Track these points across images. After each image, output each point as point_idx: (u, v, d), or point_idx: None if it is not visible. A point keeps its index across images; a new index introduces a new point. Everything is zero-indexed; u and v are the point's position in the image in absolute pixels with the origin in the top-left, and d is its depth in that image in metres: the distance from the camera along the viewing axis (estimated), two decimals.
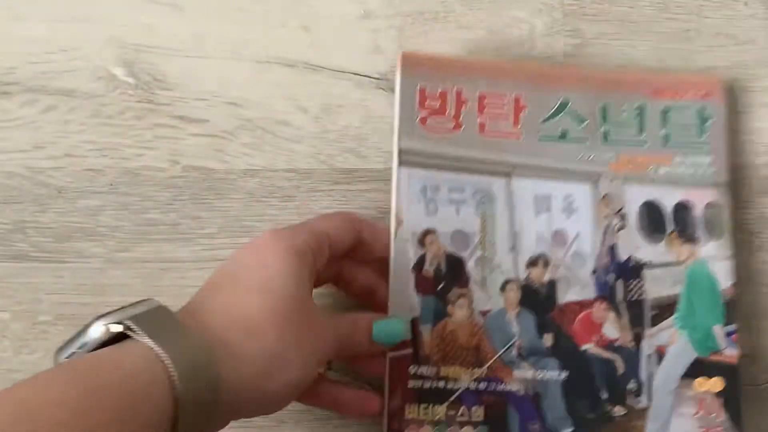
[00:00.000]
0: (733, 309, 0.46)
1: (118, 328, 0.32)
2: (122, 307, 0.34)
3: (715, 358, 0.46)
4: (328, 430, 0.46)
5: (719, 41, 0.50)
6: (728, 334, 0.46)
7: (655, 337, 0.46)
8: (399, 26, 0.50)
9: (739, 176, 0.49)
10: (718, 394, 0.45)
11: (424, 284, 0.45)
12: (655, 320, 0.46)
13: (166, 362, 0.31)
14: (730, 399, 0.45)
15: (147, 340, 0.32)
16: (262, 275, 0.37)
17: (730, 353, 0.46)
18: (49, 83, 0.48)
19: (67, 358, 0.33)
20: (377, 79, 0.49)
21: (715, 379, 0.45)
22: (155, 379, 0.31)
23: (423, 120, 0.46)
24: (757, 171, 0.49)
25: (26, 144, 0.48)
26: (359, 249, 0.43)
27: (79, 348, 0.33)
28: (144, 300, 0.35)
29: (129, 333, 0.32)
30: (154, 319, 0.33)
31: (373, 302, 0.44)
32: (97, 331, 0.33)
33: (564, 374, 0.45)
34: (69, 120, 0.48)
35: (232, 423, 0.46)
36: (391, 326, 0.43)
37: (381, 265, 0.44)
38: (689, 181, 0.47)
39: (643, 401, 0.45)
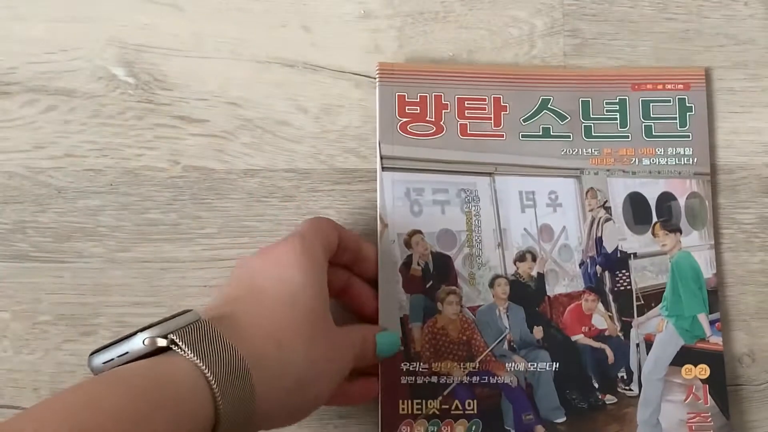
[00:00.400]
0: (716, 298, 0.47)
1: (163, 343, 0.33)
2: (165, 319, 0.34)
3: (701, 345, 0.47)
4: (328, 430, 0.46)
5: (719, 41, 0.50)
6: (712, 323, 0.47)
7: (643, 326, 0.47)
8: (399, 26, 0.50)
9: (739, 176, 0.49)
10: (705, 381, 0.46)
11: (412, 283, 0.46)
12: (643, 309, 0.47)
13: (209, 377, 0.32)
14: (716, 385, 0.46)
15: (192, 356, 0.32)
16: (287, 289, 0.37)
17: (715, 341, 0.47)
18: (50, 83, 0.48)
19: (104, 363, 0.33)
20: (377, 78, 0.49)
21: (701, 366, 0.46)
22: (200, 394, 0.32)
23: (403, 126, 0.47)
24: (757, 171, 0.49)
25: (26, 144, 0.48)
26: (357, 264, 0.44)
27: (119, 356, 0.33)
28: (185, 312, 0.35)
29: (173, 347, 0.33)
30: (196, 333, 0.33)
31: (363, 311, 0.45)
32: (141, 342, 0.33)
33: (555, 365, 0.46)
34: (69, 120, 0.48)
35: None
36: (392, 339, 0.43)
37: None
38: (671, 172, 0.48)
39: (633, 389, 0.46)
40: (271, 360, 0.35)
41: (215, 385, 0.32)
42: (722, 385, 0.46)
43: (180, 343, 0.32)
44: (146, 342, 0.33)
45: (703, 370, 0.46)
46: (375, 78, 0.48)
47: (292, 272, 0.38)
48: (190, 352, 0.32)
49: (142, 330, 0.33)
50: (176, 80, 0.49)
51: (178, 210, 0.48)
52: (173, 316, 0.34)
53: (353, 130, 0.49)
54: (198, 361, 0.32)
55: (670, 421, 0.45)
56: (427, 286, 0.46)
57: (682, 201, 0.48)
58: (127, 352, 0.33)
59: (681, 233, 0.47)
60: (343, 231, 0.43)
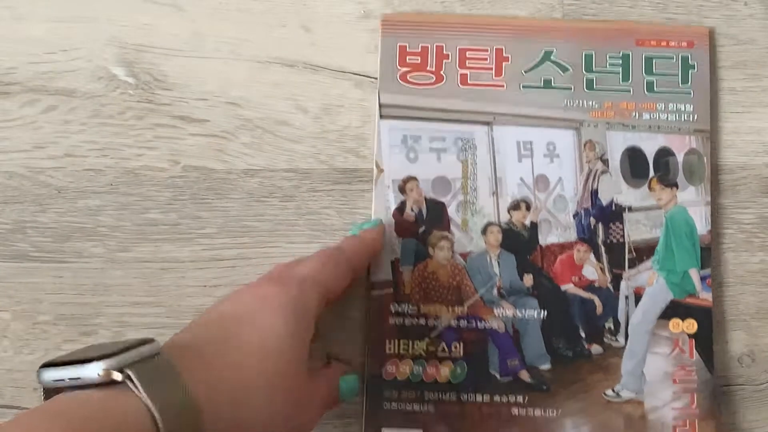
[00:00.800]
0: (709, 254, 0.47)
1: (118, 377, 0.31)
2: (126, 347, 0.32)
3: (690, 301, 0.47)
4: (328, 430, 0.46)
5: (719, 41, 0.50)
6: (703, 279, 0.47)
7: (633, 278, 0.47)
8: None
9: (739, 176, 0.49)
10: (691, 336, 0.46)
11: (404, 228, 0.47)
12: (634, 262, 0.47)
13: (159, 423, 0.30)
14: (702, 340, 0.46)
15: (144, 396, 0.30)
16: (261, 336, 0.36)
17: (705, 297, 0.47)
18: (50, 83, 0.48)
19: (54, 381, 0.32)
20: (377, 79, 0.49)
21: (689, 320, 0.47)
22: None
23: (404, 75, 0.48)
24: (757, 171, 0.49)
25: (26, 144, 0.48)
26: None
27: (71, 379, 0.31)
28: (146, 342, 0.33)
29: (128, 383, 0.31)
30: (153, 371, 0.32)
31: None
32: (96, 373, 0.31)
33: (543, 313, 0.47)
34: (69, 120, 0.48)
35: None
36: (352, 385, 0.43)
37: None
38: (671, 127, 0.48)
39: (619, 340, 0.47)
40: (227, 412, 0.33)
41: (162, 428, 0.30)
42: (708, 340, 0.46)
43: (135, 380, 0.31)
44: (101, 374, 0.31)
45: (690, 325, 0.46)
46: (378, 31, 0.49)
47: (272, 319, 0.36)
48: (143, 391, 0.31)
49: (99, 358, 0.31)
50: (176, 80, 0.49)
51: (178, 210, 0.48)
52: (134, 345, 0.32)
53: (353, 130, 0.49)
54: (150, 403, 0.30)
55: (655, 373, 0.46)
56: (420, 231, 0.47)
57: (680, 157, 0.48)
58: (80, 378, 0.31)
59: (677, 188, 0.48)
60: (359, 258, 0.43)
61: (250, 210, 0.48)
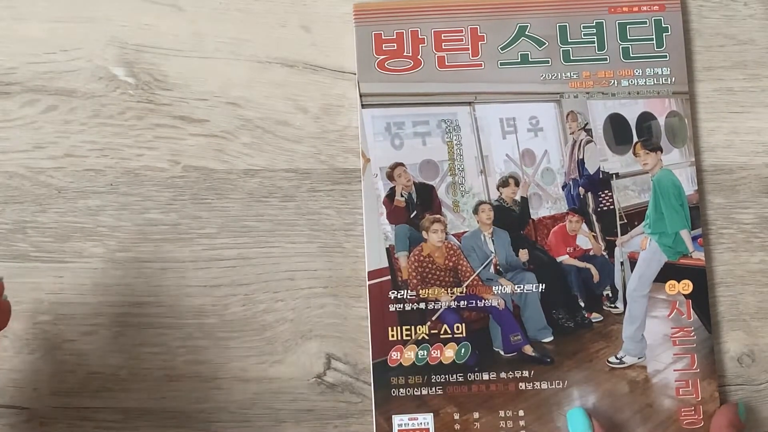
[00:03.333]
0: (698, 213, 0.48)
1: None
2: None
3: (684, 261, 0.47)
4: (328, 431, 0.46)
5: (719, 41, 0.50)
6: (695, 239, 0.47)
7: (626, 244, 0.48)
8: None
9: (739, 176, 0.49)
10: (688, 297, 0.47)
11: (396, 214, 0.47)
12: (626, 228, 0.48)
13: None
14: (698, 300, 0.47)
15: None
16: None
17: (698, 256, 0.47)
18: (50, 83, 0.48)
19: None
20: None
21: (684, 281, 0.47)
22: None
23: (381, 63, 0.48)
24: (757, 171, 0.49)
25: (26, 144, 0.48)
26: None
27: None
28: None
29: None
30: None
31: None
32: None
33: (541, 286, 0.47)
34: (69, 120, 0.48)
35: (232, 422, 0.46)
36: None
37: None
38: (650, 91, 0.49)
39: (618, 306, 0.47)
40: None
41: None
42: (704, 299, 0.47)
43: None
44: None
45: (686, 286, 0.47)
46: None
47: None
48: None
49: None
50: (176, 80, 0.49)
51: (178, 210, 0.48)
52: None
53: (353, 130, 0.49)
54: None
55: (655, 336, 0.47)
56: (411, 216, 0.47)
57: (661, 120, 0.48)
58: None
59: (662, 152, 0.48)
60: None
61: (250, 210, 0.48)
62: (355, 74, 0.49)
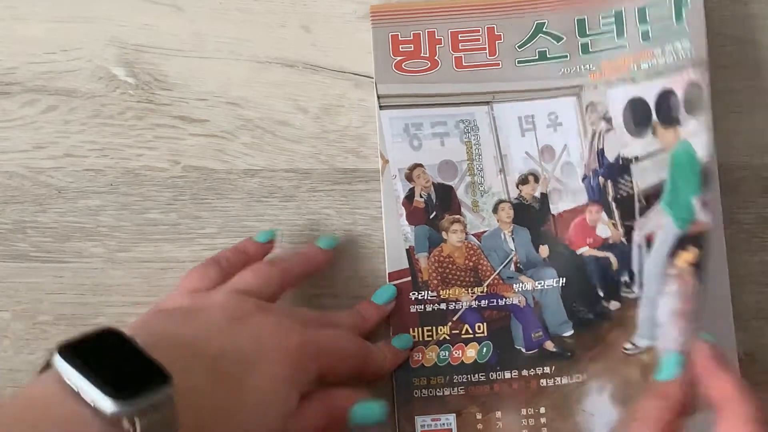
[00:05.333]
0: (708, 176, 0.44)
1: (125, 425, 0.29)
2: (139, 386, 0.30)
3: (691, 229, 0.45)
4: None
5: (719, 41, 0.50)
6: (703, 204, 0.44)
7: (644, 225, 0.47)
8: None
9: (739, 176, 0.49)
10: (693, 265, 0.44)
11: (415, 215, 0.47)
12: (644, 210, 0.47)
13: None
14: (704, 267, 0.44)
15: None
16: (258, 384, 0.35)
17: (703, 219, 0.44)
18: (50, 83, 0.48)
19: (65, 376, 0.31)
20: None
21: (690, 249, 0.45)
22: None
23: (398, 64, 0.48)
24: (757, 171, 0.49)
25: (26, 144, 0.48)
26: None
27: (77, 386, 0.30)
28: (162, 382, 0.31)
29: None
30: (159, 424, 0.30)
31: None
32: (106, 410, 0.29)
33: (562, 281, 0.47)
34: (69, 120, 0.48)
35: None
36: (372, 411, 0.40)
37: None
38: (671, 68, 0.47)
39: (635, 291, 0.46)
40: None
41: None
42: (706, 266, 0.44)
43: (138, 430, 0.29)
44: (108, 414, 0.29)
45: (693, 254, 0.44)
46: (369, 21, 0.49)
47: (273, 365, 0.36)
48: None
49: (116, 388, 0.29)
50: (176, 80, 0.49)
51: (178, 210, 0.48)
52: (151, 386, 0.30)
53: (353, 130, 0.49)
54: None
55: (665, 314, 0.45)
56: (431, 216, 0.47)
57: (680, 93, 0.47)
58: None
59: (680, 124, 0.46)
60: (375, 358, 0.42)
61: (250, 210, 0.48)
62: (356, 74, 0.49)
